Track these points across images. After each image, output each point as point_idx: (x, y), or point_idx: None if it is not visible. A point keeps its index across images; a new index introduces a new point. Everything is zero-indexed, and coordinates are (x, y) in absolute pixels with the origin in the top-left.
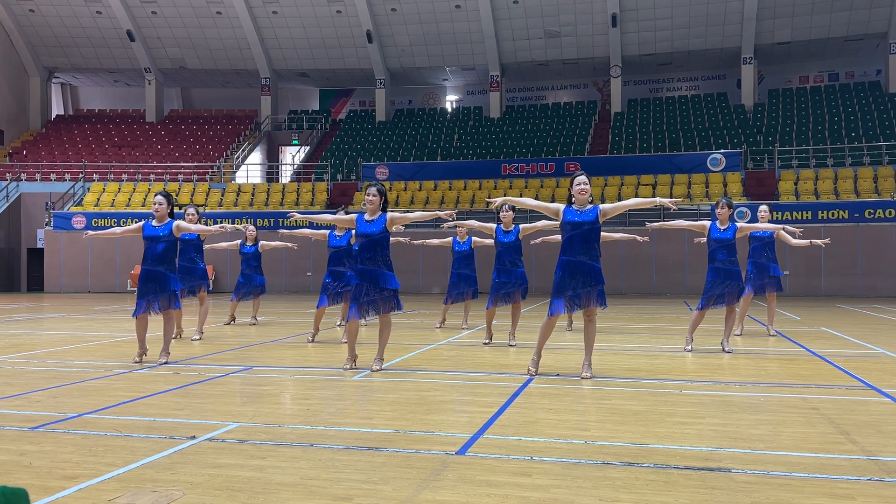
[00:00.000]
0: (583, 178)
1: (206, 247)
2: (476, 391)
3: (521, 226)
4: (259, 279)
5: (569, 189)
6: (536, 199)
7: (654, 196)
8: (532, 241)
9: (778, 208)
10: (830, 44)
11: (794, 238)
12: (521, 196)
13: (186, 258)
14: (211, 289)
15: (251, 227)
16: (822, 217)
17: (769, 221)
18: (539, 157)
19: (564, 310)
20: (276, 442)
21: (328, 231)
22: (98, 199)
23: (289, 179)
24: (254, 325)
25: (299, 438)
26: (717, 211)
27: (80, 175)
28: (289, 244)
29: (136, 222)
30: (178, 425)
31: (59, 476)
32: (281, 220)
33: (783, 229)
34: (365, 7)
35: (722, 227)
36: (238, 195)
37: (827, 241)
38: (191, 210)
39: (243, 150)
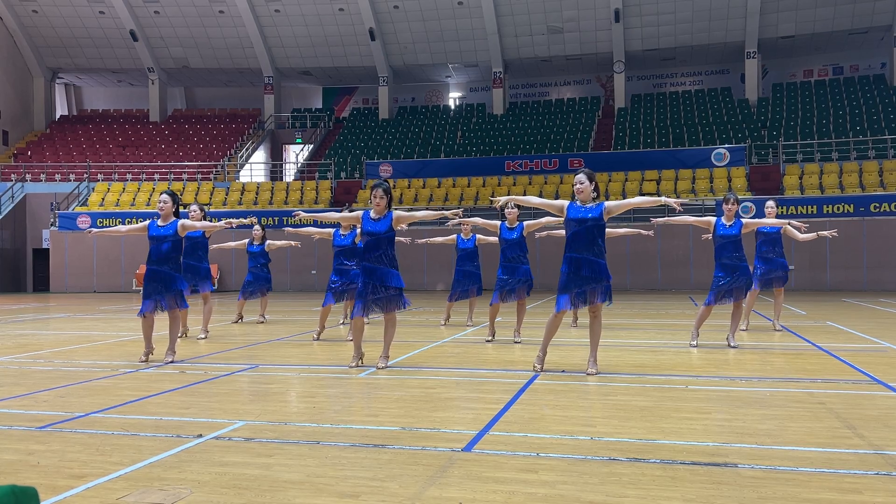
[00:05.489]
0: (580, 175)
1: (213, 246)
2: (481, 388)
3: (525, 223)
4: (266, 278)
5: (572, 186)
6: (540, 195)
7: (658, 194)
8: (537, 235)
9: (783, 203)
10: (835, 37)
11: (801, 233)
12: (524, 193)
13: (191, 257)
14: (215, 288)
15: (257, 227)
16: (828, 211)
17: (775, 217)
18: (543, 153)
19: (570, 306)
20: (282, 440)
21: (333, 230)
22: (103, 200)
23: (293, 178)
24: (262, 322)
25: (306, 436)
26: (726, 206)
27: (85, 175)
28: (293, 242)
29: (140, 221)
30: (184, 424)
31: (66, 475)
32: (286, 218)
33: (789, 224)
34: (367, 5)
35: (728, 224)
36: (242, 194)
37: (834, 232)
38: (194, 207)
39: (247, 149)
